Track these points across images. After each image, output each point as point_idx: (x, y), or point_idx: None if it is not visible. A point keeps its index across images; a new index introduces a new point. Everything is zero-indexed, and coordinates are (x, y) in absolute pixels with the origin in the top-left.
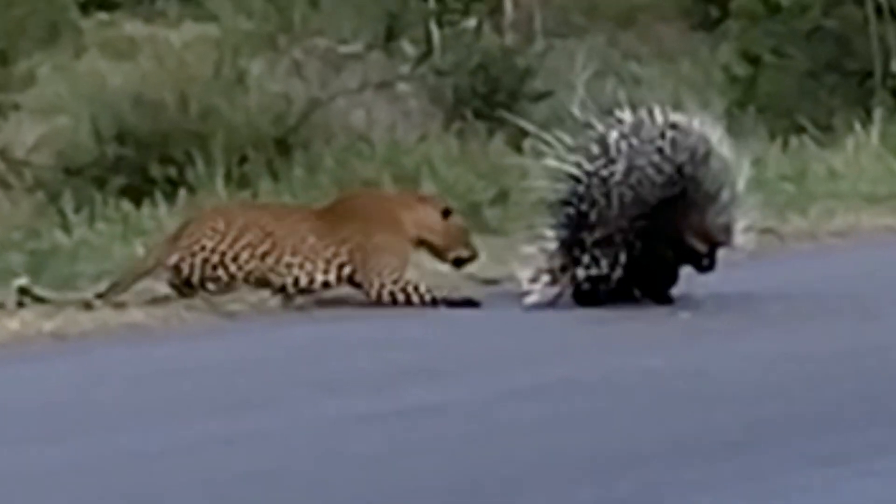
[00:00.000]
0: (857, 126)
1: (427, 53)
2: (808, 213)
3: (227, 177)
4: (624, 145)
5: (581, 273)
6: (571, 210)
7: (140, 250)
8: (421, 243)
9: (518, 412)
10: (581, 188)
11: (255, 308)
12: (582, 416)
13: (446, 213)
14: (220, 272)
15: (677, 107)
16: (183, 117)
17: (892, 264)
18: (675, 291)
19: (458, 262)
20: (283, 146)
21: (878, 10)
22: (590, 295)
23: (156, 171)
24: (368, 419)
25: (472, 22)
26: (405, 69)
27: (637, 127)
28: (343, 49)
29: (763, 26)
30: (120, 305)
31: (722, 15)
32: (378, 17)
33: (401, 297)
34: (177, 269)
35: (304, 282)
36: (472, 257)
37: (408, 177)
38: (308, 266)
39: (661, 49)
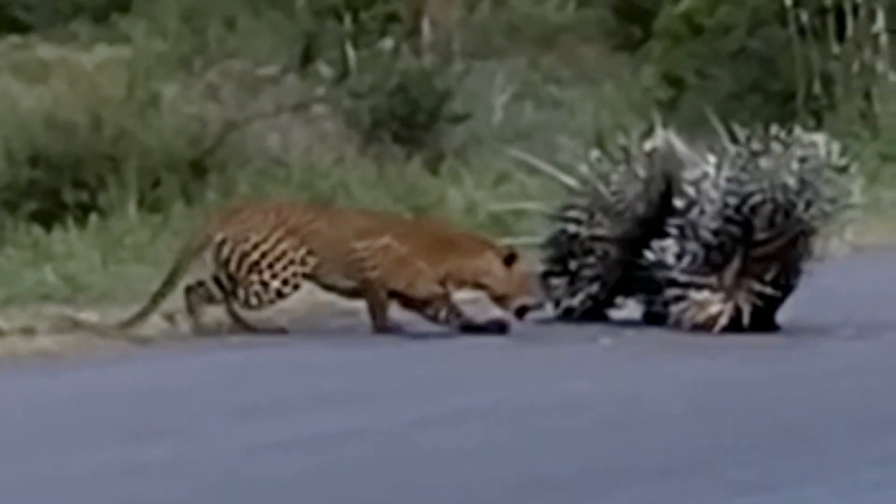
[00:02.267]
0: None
1: (344, 75)
2: None
3: (140, 201)
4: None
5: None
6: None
7: (50, 276)
8: (478, 287)
9: (440, 438)
10: None
11: (167, 334)
12: (504, 442)
13: (509, 260)
14: (255, 276)
15: (598, 130)
16: (96, 140)
17: (815, 289)
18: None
19: (521, 312)
20: (198, 169)
21: (802, 31)
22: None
23: (68, 195)
24: (284, 446)
25: (389, 43)
26: (322, 91)
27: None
28: (259, 71)
29: (686, 47)
30: (29, 331)
31: (644, 36)
32: (294, 38)
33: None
34: (220, 246)
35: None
36: (537, 306)
37: (324, 200)
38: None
39: (583, 71)
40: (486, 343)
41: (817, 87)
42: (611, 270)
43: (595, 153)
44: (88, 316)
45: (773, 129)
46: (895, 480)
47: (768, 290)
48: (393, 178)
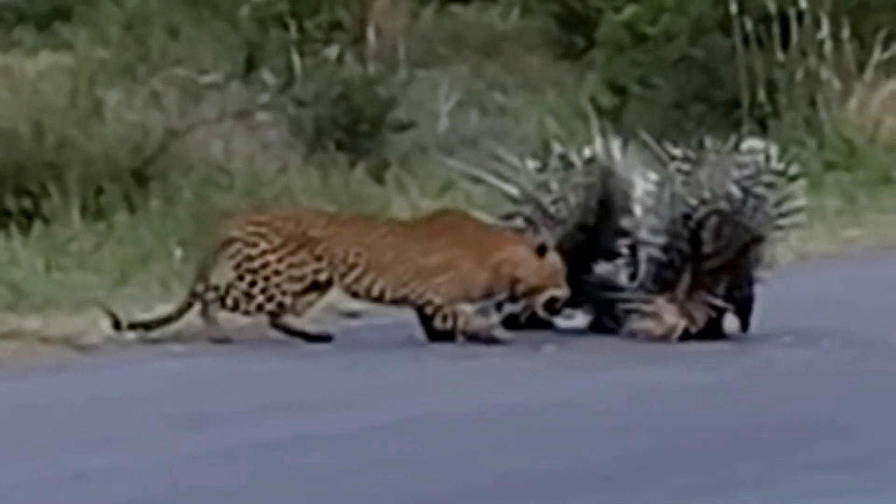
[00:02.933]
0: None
1: (288, 83)
2: None
3: (83, 208)
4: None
5: None
6: None
7: None
8: (514, 282)
9: (384, 447)
10: None
11: (111, 342)
12: (448, 451)
13: (542, 251)
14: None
15: (543, 137)
16: (38, 148)
17: (766, 298)
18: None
19: (551, 304)
20: (140, 177)
21: (746, 40)
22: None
23: (10, 202)
24: (230, 454)
25: (334, 51)
26: (265, 99)
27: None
28: (202, 79)
29: (629, 56)
30: None
31: (587, 45)
32: (238, 46)
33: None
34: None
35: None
36: (566, 299)
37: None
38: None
39: (527, 79)
40: (429, 351)
41: (762, 95)
42: None
43: (533, 162)
44: (31, 323)
45: (708, 140)
46: (836, 486)
47: (719, 303)
48: (337, 187)
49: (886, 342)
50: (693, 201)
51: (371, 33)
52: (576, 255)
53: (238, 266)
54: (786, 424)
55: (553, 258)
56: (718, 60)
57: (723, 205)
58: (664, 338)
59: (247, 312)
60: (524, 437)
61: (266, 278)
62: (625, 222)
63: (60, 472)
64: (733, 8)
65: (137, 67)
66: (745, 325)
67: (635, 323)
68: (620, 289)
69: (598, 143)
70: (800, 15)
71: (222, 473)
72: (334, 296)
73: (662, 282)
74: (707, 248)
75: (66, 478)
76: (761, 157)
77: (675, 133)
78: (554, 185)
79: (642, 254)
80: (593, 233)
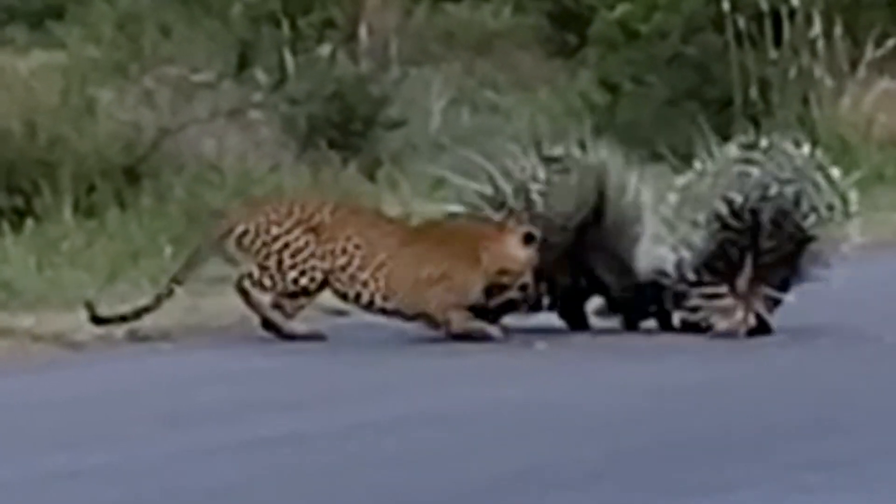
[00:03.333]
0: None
1: (280, 81)
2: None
3: (76, 206)
4: None
5: None
6: None
7: None
8: (502, 274)
9: (371, 445)
10: None
11: (101, 340)
12: (438, 448)
13: (528, 240)
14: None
15: (535, 135)
16: (30, 146)
17: None
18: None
19: (523, 288)
20: (132, 175)
21: (738, 38)
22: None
23: (2, 200)
24: (217, 452)
25: (326, 49)
26: (258, 97)
27: None
28: (195, 77)
29: (622, 53)
30: None
31: (580, 42)
32: (230, 44)
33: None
34: (242, 235)
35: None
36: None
37: None
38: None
39: (519, 77)
40: (419, 348)
41: (754, 93)
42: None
43: (524, 161)
44: (23, 321)
45: (743, 138)
46: (829, 484)
47: (781, 296)
48: (329, 185)
49: (880, 340)
50: (752, 194)
51: (363, 31)
52: (567, 255)
53: (259, 252)
54: (778, 423)
55: (533, 247)
56: (711, 58)
57: (780, 202)
58: (731, 333)
59: (284, 290)
60: (515, 434)
61: (293, 254)
62: (666, 214)
63: (51, 469)
64: (726, 6)
65: (130, 66)
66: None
67: (700, 317)
68: (662, 284)
69: (588, 143)
70: (792, 13)
71: (212, 471)
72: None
73: (717, 274)
74: (766, 242)
75: (56, 475)
76: (801, 159)
77: (667, 130)
78: (541, 185)
79: (683, 245)
80: (584, 234)
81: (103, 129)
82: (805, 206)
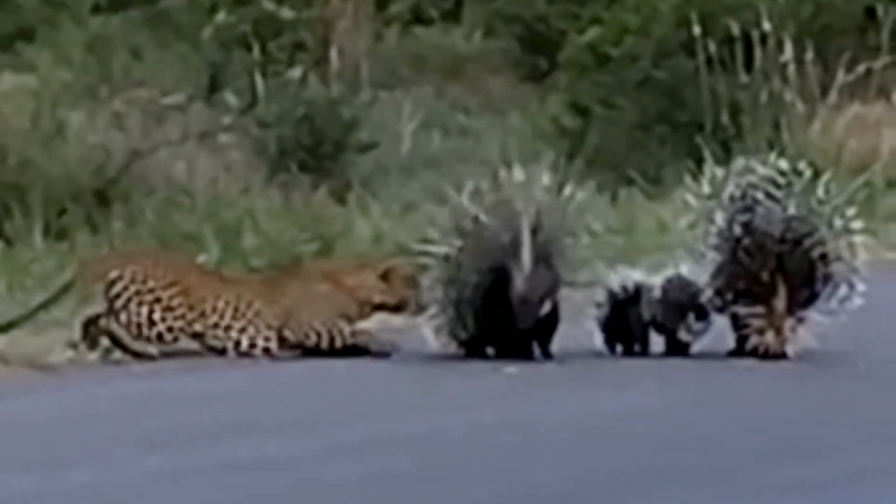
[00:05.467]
0: (687, 178)
1: (251, 105)
2: (636, 267)
3: (46, 229)
4: None
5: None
6: None
7: None
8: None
9: (343, 468)
10: None
11: (73, 362)
12: (407, 471)
13: (385, 276)
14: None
15: (505, 159)
16: (0, 169)
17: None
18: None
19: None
20: (103, 198)
21: (709, 62)
22: None
23: None
24: (192, 475)
25: (296, 72)
26: (228, 120)
27: None
28: (165, 100)
29: (592, 77)
30: None
31: (551, 66)
32: (201, 67)
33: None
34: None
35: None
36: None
37: (230, 230)
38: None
39: (490, 101)
40: (390, 372)
41: (725, 117)
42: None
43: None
44: None
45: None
46: None
47: (816, 316)
48: (299, 208)
49: (853, 365)
50: (779, 217)
51: (334, 55)
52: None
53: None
54: (749, 447)
55: (398, 281)
56: (682, 82)
57: (795, 225)
58: (779, 355)
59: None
60: (482, 458)
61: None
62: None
63: (22, 493)
64: (696, 30)
65: (100, 88)
66: None
67: (743, 336)
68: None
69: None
70: (763, 37)
71: (185, 494)
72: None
73: (751, 296)
74: (790, 263)
75: (28, 497)
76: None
77: (638, 154)
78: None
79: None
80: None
81: (73, 152)
82: (823, 226)
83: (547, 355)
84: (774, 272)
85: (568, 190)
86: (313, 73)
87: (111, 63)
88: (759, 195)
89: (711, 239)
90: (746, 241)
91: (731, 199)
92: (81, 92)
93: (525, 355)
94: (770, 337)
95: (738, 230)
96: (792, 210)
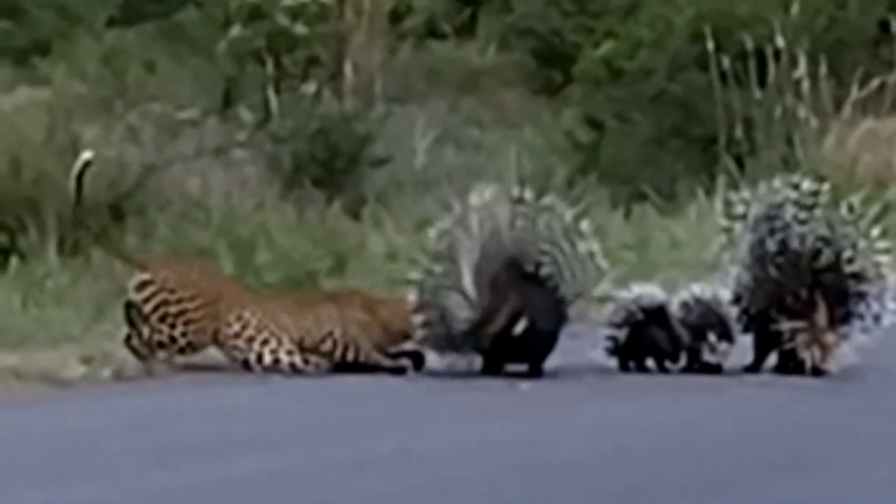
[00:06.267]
0: (701, 193)
1: (265, 119)
2: (650, 283)
3: (60, 244)
4: None
5: None
6: None
7: None
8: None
9: (354, 484)
10: None
11: (85, 378)
12: (416, 488)
13: (368, 308)
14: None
15: (520, 173)
16: (15, 183)
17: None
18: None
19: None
20: (117, 213)
21: (723, 76)
22: None
23: None
24: (199, 490)
25: (311, 87)
26: (242, 135)
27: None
28: (179, 115)
29: (606, 91)
30: None
31: (564, 80)
32: (215, 82)
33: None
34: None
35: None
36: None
37: (244, 245)
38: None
39: (503, 115)
40: (402, 386)
41: (739, 133)
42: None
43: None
44: (7, 359)
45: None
46: None
47: (855, 332)
48: (314, 223)
49: (856, 379)
50: (811, 235)
51: (348, 69)
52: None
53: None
54: (757, 461)
55: (385, 313)
56: (695, 96)
57: (821, 244)
58: (822, 371)
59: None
60: (496, 474)
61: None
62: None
63: (36, 502)
64: (710, 45)
65: (115, 103)
66: None
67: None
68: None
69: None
70: (777, 53)
71: None
72: None
73: (791, 312)
74: (827, 279)
75: None
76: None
77: (652, 169)
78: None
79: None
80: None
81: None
82: (849, 245)
83: (534, 373)
84: (812, 288)
85: (558, 205)
86: (327, 88)
87: (126, 77)
88: (788, 215)
89: (742, 257)
90: (780, 259)
91: (759, 218)
92: (96, 106)
93: (493, 374)
94: (816, 351)
95: (771, 247)
96: (822, 230)
